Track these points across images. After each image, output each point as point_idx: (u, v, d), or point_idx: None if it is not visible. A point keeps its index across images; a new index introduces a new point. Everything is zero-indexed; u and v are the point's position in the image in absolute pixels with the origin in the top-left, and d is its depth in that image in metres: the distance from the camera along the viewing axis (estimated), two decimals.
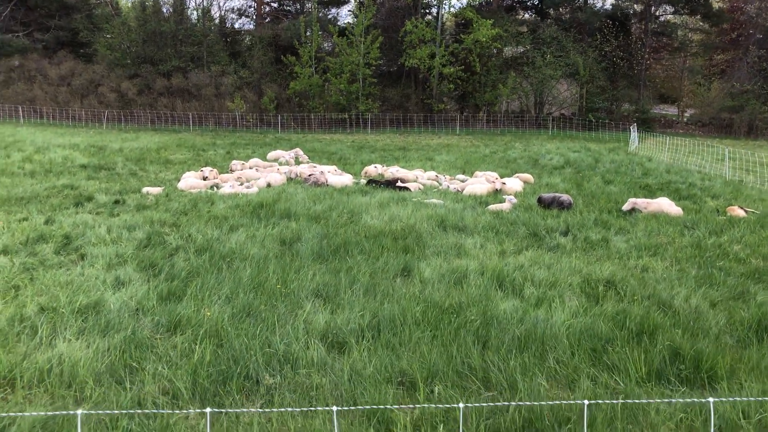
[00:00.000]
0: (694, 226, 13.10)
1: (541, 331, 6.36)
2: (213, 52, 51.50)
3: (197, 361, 5.76)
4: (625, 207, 14.75)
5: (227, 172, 21.16)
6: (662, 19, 55.28)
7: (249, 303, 7.21)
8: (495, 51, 51.36)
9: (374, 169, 21.53)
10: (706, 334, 6.70)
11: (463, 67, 48.76)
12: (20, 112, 44.80)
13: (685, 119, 56.21)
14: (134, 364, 5.75)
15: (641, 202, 14.75)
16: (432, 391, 5.54)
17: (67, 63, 49.80)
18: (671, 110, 60.81)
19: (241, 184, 17.86)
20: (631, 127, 38.14)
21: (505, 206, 14.83)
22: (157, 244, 10.65)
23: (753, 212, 14.66)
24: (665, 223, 13.45)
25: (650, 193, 18.30)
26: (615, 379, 5.78)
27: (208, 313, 6.86)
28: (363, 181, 19.74)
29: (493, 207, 14.85)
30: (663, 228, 12.91)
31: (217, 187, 17.74)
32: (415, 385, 5.57)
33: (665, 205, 14.77)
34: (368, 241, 10.77)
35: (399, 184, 18.24)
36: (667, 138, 30.91)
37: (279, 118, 46.66)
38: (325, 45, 54.26)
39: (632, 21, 55.24)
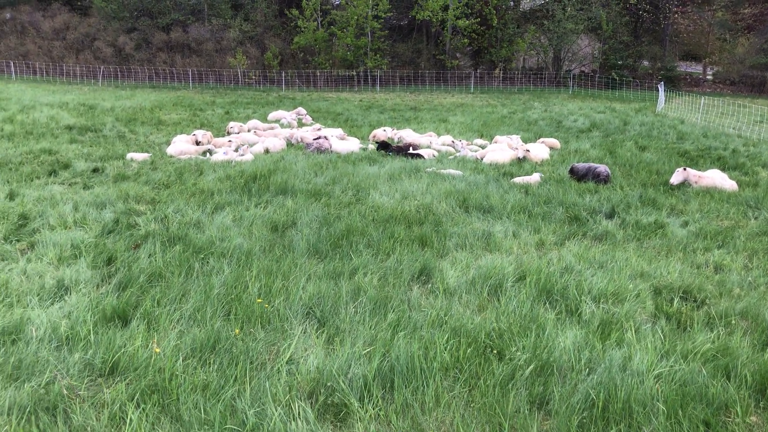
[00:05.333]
0: (758, 205, 11.16)
1: (625, 389, 4.48)
2: (214, 5, 48.97)
3: None
4: (675, 180, 12.72)
5: (224, 135, 19.26)
6: None
7: (216, 331, 5.35)
8: (512, 3, 48.59)
9: (383, 133, 19.52)
10: None
11: (479, 20, 46.05)
12: (12, 67, 42.70)
13: (709, 77, 53.38)
14: None
15: (692, 175, 12.77)
16: None
17: (62, 16, 47.47)
18: (695, 68, 57.91)
19: (236, 150, 15.94)
20: (658, 86, 35.70)
21: (534, 179, 12.92)
22: (125, 229, 8.85)
23: None
24: (722, 200, 11.54)
25: (690, 160, 16.31)
26: None
27: (157, 350, 5.03)
28: (371, 146, 17.77)
29: (519, 180, 12.92)
30: (722, 207, 11.01)
31: (210, 153, 15.89)
32: None
33: (718, 179, 12.81)
34: (377, 228, 8.89)
35: (411, 150, 16.26)
36: (702, 98, 28.60)
37: (283, 75, 44.38)
38: None
39: None
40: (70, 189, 11.67)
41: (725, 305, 6.43)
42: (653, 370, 4.90)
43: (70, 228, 8.99)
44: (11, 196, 10.75)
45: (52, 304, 6.21)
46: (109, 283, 6.73)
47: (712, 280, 7.34)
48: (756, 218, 10.44)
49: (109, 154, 15.29)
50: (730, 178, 13.24)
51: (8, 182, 11.83)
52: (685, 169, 12.93)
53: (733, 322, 5.99)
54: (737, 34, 52.03)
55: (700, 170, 13.74)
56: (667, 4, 47.72)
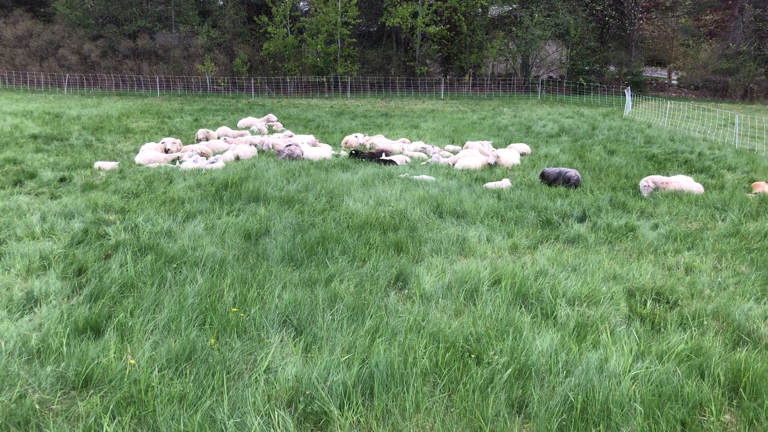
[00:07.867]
0: (725, 207, 11.38)
1: (603, 391, 4.52)
2: (181, 11, 48.52)
3: None
4: (646, 192, 12.77)
5: (193, 143, 19.05)
6: None
7: (192, 341, 5.27)
8: (480, 10, 49.00)
9: (355, 139, 19.52)
10: None
11: (448, 26, 46.38)
12: None
13: (674, 82, 54.43)
14: None
15: (660, 182, 12.96)
16: None
17: (24, 22, 46.56)
18: (660, 73, 59.02)
19: (206, 158, 15.78)
20: (625, 91, 36.29)
21: (505, 184, 13.02)
22: (94, 239, 8.68)
23: None
24: (690, 203, 11.74)
25: (658, 164, 16.58)
26: None
27: (132, 361, 4.93)
28: (343, 152, 17.76)
29: (491, 185, 13.01)
30: (690, 210, 11.20)
31: (180, 161, 15.69)
32: None
33: (685, 183, 13.03)
34: (352, 234, 8.86)
35: (384, 157, 16.28)
36: (668, 102, 29.13)
37: (252, 81, 44.13)
38: (301, 4, 51.53)
39: None
40: (37, 199, 11.44)
41: (697, 306, 6.53)
42: (630, 371, 4.95)
43: (38, 239, 8.81)
44: None
45: (22, 316, 6.07)
46: (80, 295, 6.60)
47: (683, 281, 7.45)
48: (723, 220, 10.63)
49: (76, 163, 15.01)
50: (696, 181, 13.48)
51: None
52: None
53: (705, 322, 6.09)
54: (700, 40, 53.15)
55: (667, 174, 13.95)
56: (632, 10, 48.58)
